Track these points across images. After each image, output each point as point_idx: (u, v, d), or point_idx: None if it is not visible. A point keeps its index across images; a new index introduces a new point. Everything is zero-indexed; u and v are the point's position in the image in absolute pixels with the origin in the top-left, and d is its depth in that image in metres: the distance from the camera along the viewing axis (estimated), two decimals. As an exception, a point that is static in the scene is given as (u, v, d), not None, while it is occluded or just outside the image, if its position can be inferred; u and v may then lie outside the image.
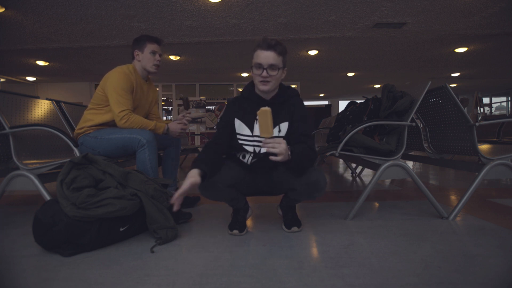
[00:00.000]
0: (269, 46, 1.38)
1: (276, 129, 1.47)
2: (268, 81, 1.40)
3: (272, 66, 1.39)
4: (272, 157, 1.24)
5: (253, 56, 1.43)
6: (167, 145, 2.10)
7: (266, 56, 1.38)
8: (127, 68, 1.92)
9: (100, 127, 1.91)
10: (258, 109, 1.49)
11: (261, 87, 1.43)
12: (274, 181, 1.51)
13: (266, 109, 1.19)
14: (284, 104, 1.50)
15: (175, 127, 1.98)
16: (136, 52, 1.97)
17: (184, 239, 1.48)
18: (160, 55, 1.99)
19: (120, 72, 1.87)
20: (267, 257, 1.25)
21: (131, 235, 1.50)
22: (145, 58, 1.95)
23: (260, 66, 1.39)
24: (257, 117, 1.21)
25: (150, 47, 1.94)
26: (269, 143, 1.22)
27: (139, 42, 1.96)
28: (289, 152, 1.28)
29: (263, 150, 1.47)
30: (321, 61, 7.17)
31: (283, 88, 1.54)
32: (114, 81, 1.84)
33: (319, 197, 1.45)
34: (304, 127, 1.46)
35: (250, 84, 1.55)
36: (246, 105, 1.51)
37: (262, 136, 1.22)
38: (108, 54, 6.25)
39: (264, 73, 1.38)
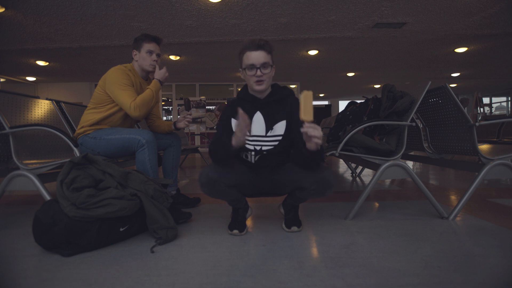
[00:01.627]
0: (258, 46, 1.42)
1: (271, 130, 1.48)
2: (262, 80, 1.44)
3: (264, 65, 1.43)
4: (314, 140, 1.22)
5: (242, 59, 1.46)
6: (167, 145, 2.10)
7: (257, 56, 1.41)
8: (124, 66, 1.93)
9: (100, 126, 1.91)
10: (254, 109, 1.51)
11: (257, 87, 1.46)
12: (279, 181, 1.51)
13: (310, 92, 1.20)
14: (280, 104, 1.52)
15: (181, 120, 2.12)
16: (134, 52, 1.97)
17: (184, 239, 1.48)
18: (158, 55, 1.98)
19: (117, 69, 1.88)
20: (267, 257, 1.25)
21: (131, 235, 1.50)
22: (142, 58, 1.95)
23: (253, 66, 1.42)
24: (300, 100, 1.21)
25: (146, 46, 1.94)
26: (310, 127, 1.22)
27: (137, 41, 1.97)
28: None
29: (265, 147, 1.49)
30: (321, 61, 7.16)
31: (276, 87, 1.56)
32: (113, 78, 1.85)
33: (327, 195, 1.45)
34: None
35: (245, 86, 1.58)
36: (242, 106, 1.52)
37: (304, 119, 1.21)
38: (108, 54, 6.25)
39: (259, 73, 1.42)
